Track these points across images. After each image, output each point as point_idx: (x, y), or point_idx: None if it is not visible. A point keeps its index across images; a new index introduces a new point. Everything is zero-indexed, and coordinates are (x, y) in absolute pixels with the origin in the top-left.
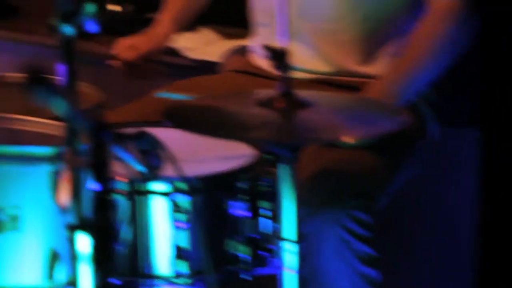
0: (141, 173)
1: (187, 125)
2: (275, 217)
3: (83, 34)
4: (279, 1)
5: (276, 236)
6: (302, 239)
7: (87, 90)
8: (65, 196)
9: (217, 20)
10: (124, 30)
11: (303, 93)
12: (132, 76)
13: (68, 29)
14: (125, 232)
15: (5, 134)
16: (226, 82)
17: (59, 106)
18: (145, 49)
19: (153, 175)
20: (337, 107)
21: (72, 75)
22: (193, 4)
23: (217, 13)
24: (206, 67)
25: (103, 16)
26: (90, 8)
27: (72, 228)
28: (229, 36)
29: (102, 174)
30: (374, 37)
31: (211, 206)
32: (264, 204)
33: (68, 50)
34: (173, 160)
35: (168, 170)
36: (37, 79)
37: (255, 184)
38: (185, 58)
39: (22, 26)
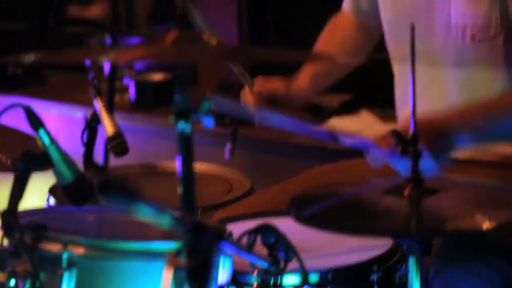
0: (267, 267)
1: (309, 219)
2: None
3: None
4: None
5: None
6: None
7: (236, 177)
8: None
9: (378, 103)
10: None
11: (434, 179)
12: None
13: (185, 126)
14: None
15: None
16: (366, 168)
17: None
18: (277, 87)
19: (279, 269)
20: (469, 193)
21: (189, 173)
22: (332, 71)
23: (378, 95)
24: (362, 152)
25: None
26: (206, 104)
27: None
28: (388, 119)
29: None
30: None
31: None
32: None
33: (185, 146)
34: (296, 253)
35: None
36: (112, 186)
37: (390, 276)
38: (341, 143)
39: None
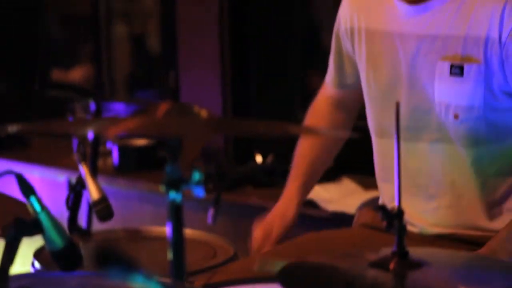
0: None
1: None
2: None
3: None
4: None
5: None
6: None
7: (220, 243)
8: None
9: (359, 170)
10: (265, 180)
11: (418, 252)
12: None
13: (175, 196)
14: None
15: None
16: (351, 237)
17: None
18: (278, 235)
19: None
20: (452, 266)
21: (180, 241)
22: (319, 167)
23: (359, 162)
24: (344, 220)
25: (245, 169)
26: (197, 175)
27: None
28: (369, 186)
29: None
30: (499, 190)
31: None
32: None
33: (176, 215)
34: None
35: None
36: (110, 258)
37: None
38: (324, 210)
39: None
